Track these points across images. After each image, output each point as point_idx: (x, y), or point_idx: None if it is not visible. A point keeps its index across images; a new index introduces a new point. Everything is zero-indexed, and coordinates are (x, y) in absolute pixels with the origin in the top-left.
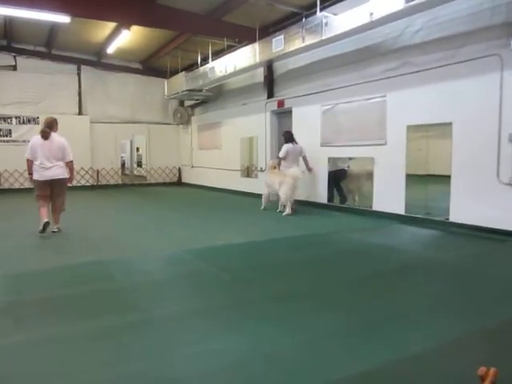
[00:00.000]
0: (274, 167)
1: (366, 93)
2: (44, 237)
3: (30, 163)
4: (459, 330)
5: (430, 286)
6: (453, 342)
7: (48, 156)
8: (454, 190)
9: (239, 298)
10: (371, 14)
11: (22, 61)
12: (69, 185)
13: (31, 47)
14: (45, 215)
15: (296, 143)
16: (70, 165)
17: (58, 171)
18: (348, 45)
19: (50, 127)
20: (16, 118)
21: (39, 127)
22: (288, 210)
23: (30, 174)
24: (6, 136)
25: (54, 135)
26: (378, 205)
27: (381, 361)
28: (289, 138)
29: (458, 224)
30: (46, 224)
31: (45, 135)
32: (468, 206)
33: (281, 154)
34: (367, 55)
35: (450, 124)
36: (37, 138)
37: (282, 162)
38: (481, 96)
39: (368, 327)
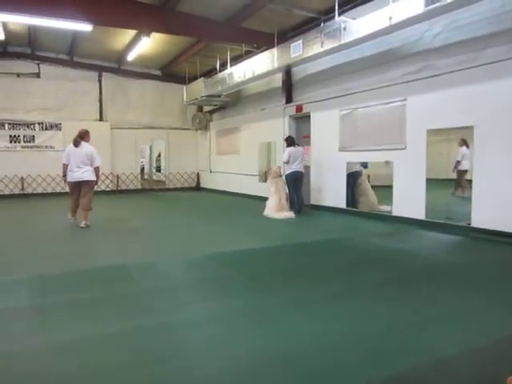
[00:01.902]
0: (280, 175)
1: (385, 97)
2: (67, 240)
3: (64, 167)
4: (485, 337)
5: (455, 292)
6: (479, 350)
7: (77, 161)
8: (476, 194)
9: (261, 303)
10: (390, 18)
11: (45, 68)
12: (96, 187)
13: (54, 55)
14: (72, 215)
15: (298, 146)
16: (96, 170)
17: (85, 174)
18: (367, 49)
19: (81, 137)
20: (39, 124)
21: (61, 133)
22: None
23: (64, 175)
24: (30, 142)
25: (84, 144)
26: (398, 210)
27: (405, 366)
28: (290, 142)
29: (481, 229)
30: (71, 220)
31: (75, 143)
32: (490, 210)
33: (284, 159)
34: (386, 59)
35: (471, 128)
36: (70, 146)
37: (285, 165)
38: (503, 99)
39: (390, 333)
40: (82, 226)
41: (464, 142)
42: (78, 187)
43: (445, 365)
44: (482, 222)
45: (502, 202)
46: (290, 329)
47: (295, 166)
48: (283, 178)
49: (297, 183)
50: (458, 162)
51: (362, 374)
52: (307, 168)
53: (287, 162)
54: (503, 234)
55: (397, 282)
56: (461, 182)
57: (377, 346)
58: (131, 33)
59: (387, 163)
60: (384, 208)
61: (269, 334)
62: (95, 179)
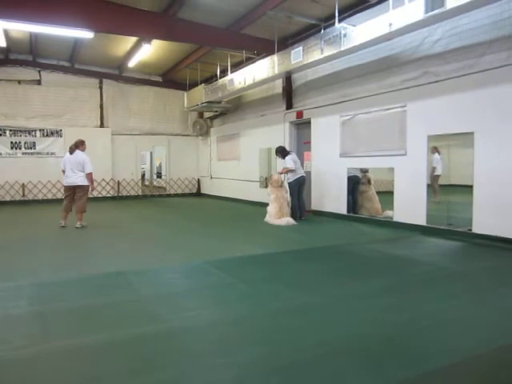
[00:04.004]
0: (282, 183)
1: (385, 103)
2: (67, 246)
3: (63, 173)
4: (487, 344)
5: (455, 299)
6: (482, 357)
7: (72, 167)
8: (477, 200)
9: (261, 310)
10: (390, 24)
11: (46, 75)
12: (90, 193)
13: (55, 62)
14: (63, 218)
15: (292, 152)
16: (89, 176)
17: (77, 179)
18: (367, 55)
19: (76, 146)
20: (40, 130)
21: (62, 140)
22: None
23: None
24: (31, 148)
25: (78, 152)
26: (399, 215)
27: (406, 374)
28: (284, 150)
29: (482, 235)
30: (62, 227)
31: (70, 151)
32: (492, 216)
33: (291, 167)
34: (387, 65)
35: (471, 134)
36: (67, 154)
37: (289, 172)
38: (503, 105)
39: (388, 341)
40: (77, 226)
41: (436, 150)
42: (72, 190)
43: (447, 372)
44: (483, 227)
45: (502, 208)
46: (290, 337)
47: (299, 172)
48: (286, 185)
49: (300, 188)
50: (434, 168)
51: (361, 381)
52: (308, 174)
53: (294, 170)
54: (504, 240)
55: (397, 288)
56: (434, 187)
57: (377, 353)
58: (132, 39)
59: (389, 169)
60: (389, 214)
61: (269, 341)
62: (88, 184)
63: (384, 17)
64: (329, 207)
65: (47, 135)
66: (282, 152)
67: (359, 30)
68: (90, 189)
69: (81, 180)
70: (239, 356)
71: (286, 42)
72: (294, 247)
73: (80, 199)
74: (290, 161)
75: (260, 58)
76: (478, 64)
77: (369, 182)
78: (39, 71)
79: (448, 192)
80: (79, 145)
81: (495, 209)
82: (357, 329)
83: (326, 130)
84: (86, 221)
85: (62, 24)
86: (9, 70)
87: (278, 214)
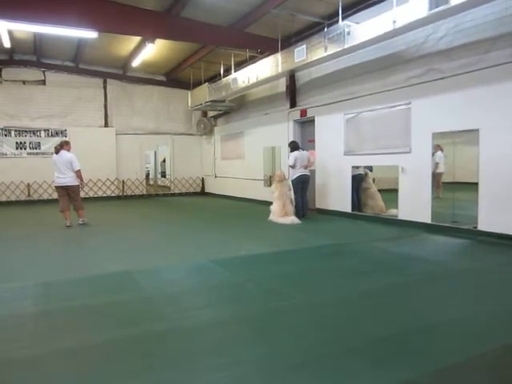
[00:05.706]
0: (285, 179)
1: (390, 100)
2: (71, 245)
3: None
4: (489, 345)
5: (459, 297)
6: (481, 357)
7: (59, 167)
8: (482, 197)
9: (268, 309)
10: (394, 21)
11: (50, 75)
12: (81, 190)
13: (59, 62)
14: (66, 218)
15: (302, 150)
16: (77, 173)
17: (66, 180)
18: (371, 53)
19: (61, 146)
20: (45, 130)
21: (67, 140)
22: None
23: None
24: (35, 148)
25: (63, 152)
26: (404, 213)
27: (407, 374)
28: (294, 146)
29: (487, 232)
30: (68, 227)
31: (56, 151)
32: (497, 214)
33: (290, 163)
34: (391, 63)
35: (476, 131)
36: (54, 155)
37: (291, 170)
38: (508, 102)
39: (391, 341)
40: (79, 222)
41: (439, 147)
42: (65, 190)
43: (449, 372)
44: (489, 225)
45: (507, 205)
46: (293, 336)
47: (301, 170)
48: (289, 182)
49: (303, 187)
50: (437, 164)
51: (362, 381)
52: (312, 172)
53: (293, 166)
54: (510, 237)
55: (401, 287)
56: (438, 183)
57: (379, 353)
58: (136, 39)
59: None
60: (393, 212)
61: (272, 341)
62: (77, 184)
63: (388, 14)
64: (333, 205)
65: (52, 135)
66: (291, 147)
67: (363, 28)
68: (81, 185)
69: (70, 180)
70: (242, 356)
71: (289, 41)
72: (298, 246)
73: (75, 199)
74: (291, 157)
75: (263, 57)
76: (482, 60)
77: (366, 174)
78: (44, 71)
79: (453, 189)
80: (64, 145)
81: (500, 206)
82: (360, 328)
83: (330, 128)
84: (92, 220)
85: (65, 24)
86: (13, 71)
87: (281, 212)
